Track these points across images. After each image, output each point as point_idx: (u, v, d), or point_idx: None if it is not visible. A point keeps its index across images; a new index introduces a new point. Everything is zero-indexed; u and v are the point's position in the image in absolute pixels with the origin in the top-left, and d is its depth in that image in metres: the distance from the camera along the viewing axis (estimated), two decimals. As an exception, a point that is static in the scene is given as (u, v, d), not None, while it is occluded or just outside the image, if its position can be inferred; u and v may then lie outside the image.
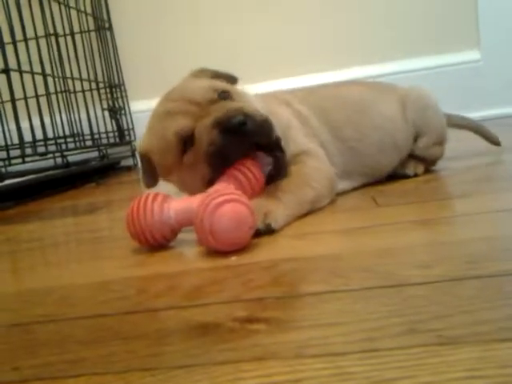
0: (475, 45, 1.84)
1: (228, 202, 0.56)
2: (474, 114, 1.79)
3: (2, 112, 1.46)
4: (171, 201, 0.64)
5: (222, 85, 0.74)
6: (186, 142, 0.69)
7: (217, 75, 0.79)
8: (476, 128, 1.11)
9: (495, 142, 1.09)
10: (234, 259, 0.56)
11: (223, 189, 0.58)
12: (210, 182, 0.67)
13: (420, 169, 0.94)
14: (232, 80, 0.81)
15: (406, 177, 0.93)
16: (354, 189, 0.88)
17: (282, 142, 0.72)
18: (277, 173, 0.71)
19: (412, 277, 0.44)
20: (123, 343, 0.39)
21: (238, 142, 0.66)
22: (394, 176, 0.94)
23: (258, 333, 0.37)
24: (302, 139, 0.81)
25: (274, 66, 1.91)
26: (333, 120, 0.87)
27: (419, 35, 1.86)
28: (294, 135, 0.80)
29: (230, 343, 0.36)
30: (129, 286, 0.53)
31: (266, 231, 0.64)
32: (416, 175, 0.93)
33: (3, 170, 1.29)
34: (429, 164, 0.97)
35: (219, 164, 0.67)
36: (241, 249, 0.58)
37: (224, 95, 0.71)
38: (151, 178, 0.78)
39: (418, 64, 1.85)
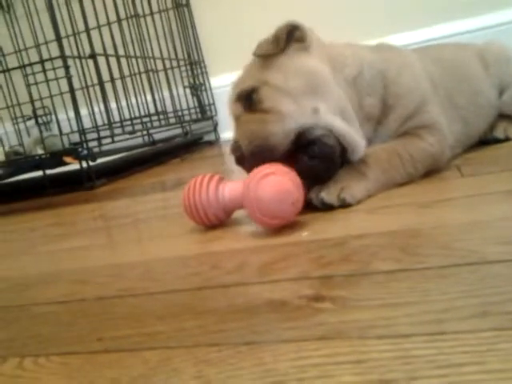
0: None
1: (275, 173, 0.57)
2: None
3: (93, 95, 1.55)
4: (227, 182, 0.67)
5: (249, 86, 0.67)
6: None
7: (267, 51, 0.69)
8: None
9: None
10: (305, 235, 0.56)
11: (273, 165, 0.60)
12: None
13: None
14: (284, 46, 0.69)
15: (497, 141, 0.86)
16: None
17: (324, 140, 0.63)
18: (311, 181, 0.64)
19: (493, 254, 0.41)
20: (194, 318, 0.40)
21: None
22: (484, 142, 0.87)
23: (323, 311, 0.37)
24: (433, 112, 0.73)
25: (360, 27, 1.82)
26: (448, 87, 0.81)
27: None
28: (428, 109, 0.73)
29: (295, 321, 0.36)
30: (203, 261, 0.55)
31: (340, 206, 0.63)
32: (508, 139, 0.86)
33: (96, 149, 1.38)
34: None
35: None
36: (284, 225, 0.59)
37: (251, 100, 0.66)
38: None
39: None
